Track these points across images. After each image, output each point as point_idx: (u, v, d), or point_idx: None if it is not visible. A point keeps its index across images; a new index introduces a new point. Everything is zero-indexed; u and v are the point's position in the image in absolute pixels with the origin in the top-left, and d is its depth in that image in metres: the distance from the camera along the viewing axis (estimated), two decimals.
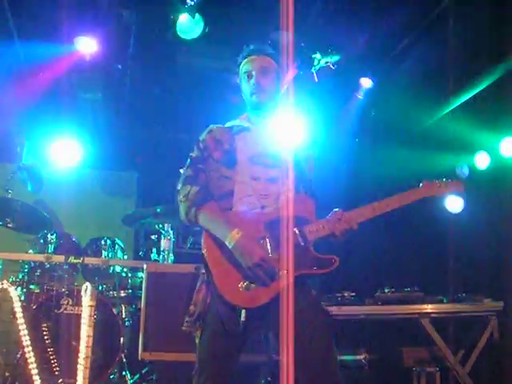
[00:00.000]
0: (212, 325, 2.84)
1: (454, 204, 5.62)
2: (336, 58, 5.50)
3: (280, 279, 2.74)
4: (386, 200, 3.00)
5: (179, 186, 3.02)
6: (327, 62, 5.49)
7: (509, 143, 5.10)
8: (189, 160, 3.08)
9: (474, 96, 5.57)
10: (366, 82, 6.00)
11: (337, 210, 2.97)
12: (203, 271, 2.88)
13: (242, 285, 2.76)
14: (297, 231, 2.86)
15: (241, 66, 3.18)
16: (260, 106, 3.13)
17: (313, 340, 2.75)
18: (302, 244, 2.85)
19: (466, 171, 5.71)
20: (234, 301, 2.74)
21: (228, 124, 3.19)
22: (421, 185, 3.10)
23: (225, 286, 2.77)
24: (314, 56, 5.42)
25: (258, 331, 2.95)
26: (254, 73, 3.10)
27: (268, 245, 2.82)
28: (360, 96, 5.98)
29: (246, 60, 3.16)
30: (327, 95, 5.86)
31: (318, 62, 5.47)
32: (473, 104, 5.56)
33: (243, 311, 2.73)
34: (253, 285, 2.75)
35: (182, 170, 3.09)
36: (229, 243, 2.77)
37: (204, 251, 2.86)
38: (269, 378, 4.52)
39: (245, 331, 2.77)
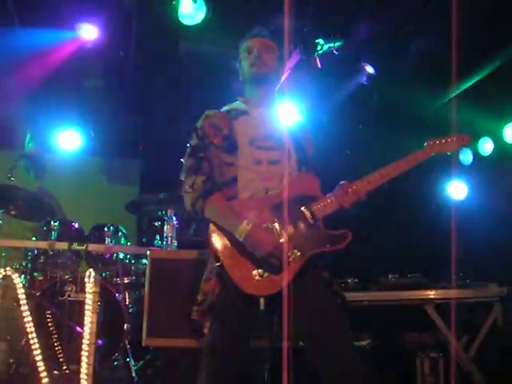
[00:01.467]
0: (224, 315, 2.81)
1: (458, 190, 5.63)
2: (339, 43, 5.46)
3: (294, 260, 2.74)
4: (393, 164, 2.95)
5: (183, 177, 2.99)
6: (330, 48, 5.45)
7: None
8: (189, 149, 3.04)
9: (478, 82, 5.55)
10: (369, 68, 5.97)
11: (343, 182, 2.94)
12: (217, 264, 2.83)
13: (257, 273, 2.74)
14: (304, 210, 2.84)
15: (242, 47, 3.15)
16: (258, 81, 3.08)
17: (327, 325, 2.74)
18: (312, 222, 2.83)
19: (469, 157, 5.70)
20: (250, 290, 2.72)
21: (225, 108, 3.16)
22: (425, 144, 3.02)
23: (239, 277, 2.74)
24: (316, 41, 5.38)
25: (263, 315, 2.93)
26: (255, 48, 3.07)
27: (277, 229, 2.81)
28: (363, 81, 5.95)
29: (248, 40, 3.13)
30: (330, 80, 5.83)
31: (321, 48, 5.43)
32: (477, 90, 5.54)
33: (261, 300, 2.71)
34: (267, 273, 2.74)
35: (182, 160, 3.07)
36: (239, 236, 2.74)
37: (212, 243, 2.83)
38: (271, 365, 4.51)
39: (261, 319, 2.77)
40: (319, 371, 2.74)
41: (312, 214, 2.84)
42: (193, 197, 2.90)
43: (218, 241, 2.83)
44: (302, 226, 2.81)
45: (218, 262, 2.80)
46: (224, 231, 2.82)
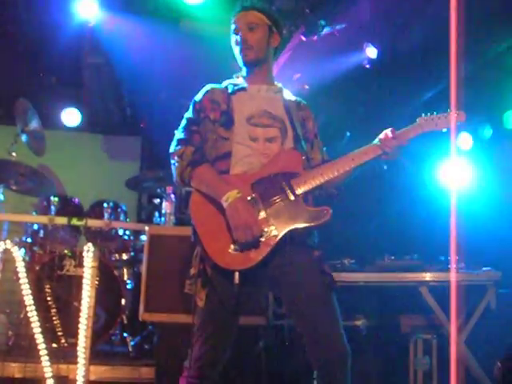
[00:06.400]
0: (207, 288, 2.83)
1: (456, 174, 5.65)
2: (341, 25, 5.45)
3: (269, 236, 2.74)
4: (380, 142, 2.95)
5: (172, 148, 2.97)
6: (332, 29, 5.44)
7: None
8: (184, 121, 3.04)
9: (479, 67, 5.55)
10: (371, 51, 5.95)
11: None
12: (193, 237, 2.85)
13: (233, 246, 2.73)
14: (284, 186, 2.82)
15: (231, 25, 3.10)
16: (249, 64, 3.07)
17: (311, 299, 2.74)
18: (291, 199, 2.80)
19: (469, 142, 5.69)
20: (224, 263, 2.71)
21: (225, 83, 3.15)
22: (417, 120, 2.94)
23: (214, 249, 2.74)
24: (318, 23, 5.37)
25: (254, 292, 2.95)
26: (239, 30, 3.03)
27: (257, 205, 2.80)
28: (365, 64, 5.94)
29: (235, 17, 3.08)
30: (331, 62, 5.83)
31: (323, 29, 5.42)
32: (477, 76, 5.54)
33: (236, 274, 2.70)
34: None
35: (176, 131, 3.06)
36: (226, 200, 2.72)
37: (191, 212, 2.84)
38: (267, 342, 4.57)
39: (240, 293, 2.76)
40: (307, 348, 2.77)
41: (292, 190, 2.81)
42: (182, 165, 2.88)
43: (197, 210, 2.84)
44: (281, 202, 2.79)
45: (194, 231, 2.81)
46: (208, 201, 2.81)
